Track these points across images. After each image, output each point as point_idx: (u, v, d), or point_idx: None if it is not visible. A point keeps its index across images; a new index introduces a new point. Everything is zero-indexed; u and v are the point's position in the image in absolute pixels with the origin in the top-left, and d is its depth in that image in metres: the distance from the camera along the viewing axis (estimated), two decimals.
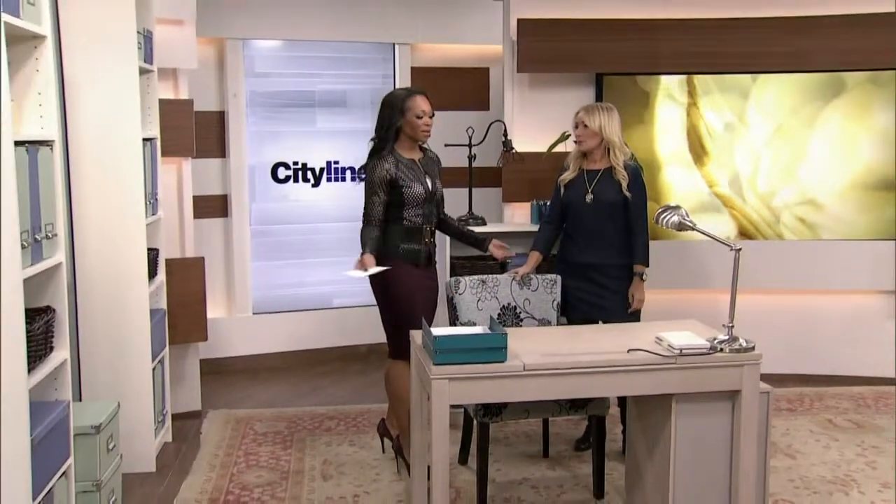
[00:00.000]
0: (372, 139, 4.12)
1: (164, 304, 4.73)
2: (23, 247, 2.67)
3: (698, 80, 5.64)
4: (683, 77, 5.65)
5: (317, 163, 6.42)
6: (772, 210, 5.71)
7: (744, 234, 5.72)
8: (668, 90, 5.66)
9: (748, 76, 5.64)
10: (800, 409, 5.18)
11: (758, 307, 5.73)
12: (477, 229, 4.75)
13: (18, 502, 2.60)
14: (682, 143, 5.70)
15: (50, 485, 2.88)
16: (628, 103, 5.62)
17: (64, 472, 3.02)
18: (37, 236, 2.85)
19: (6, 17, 2.53)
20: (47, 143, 2.92)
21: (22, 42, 2.87)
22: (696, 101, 5.67)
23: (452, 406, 4.61)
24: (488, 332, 3.44)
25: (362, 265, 3.92)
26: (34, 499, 2.71)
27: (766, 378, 5.45)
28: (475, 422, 3.95)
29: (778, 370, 5.60)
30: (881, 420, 5.00)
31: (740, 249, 3.54)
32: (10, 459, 2.54)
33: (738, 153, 5.70)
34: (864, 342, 5.74)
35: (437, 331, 3.39)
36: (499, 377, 3.32)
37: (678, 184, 5.72)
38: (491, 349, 3.30)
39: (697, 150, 5.71)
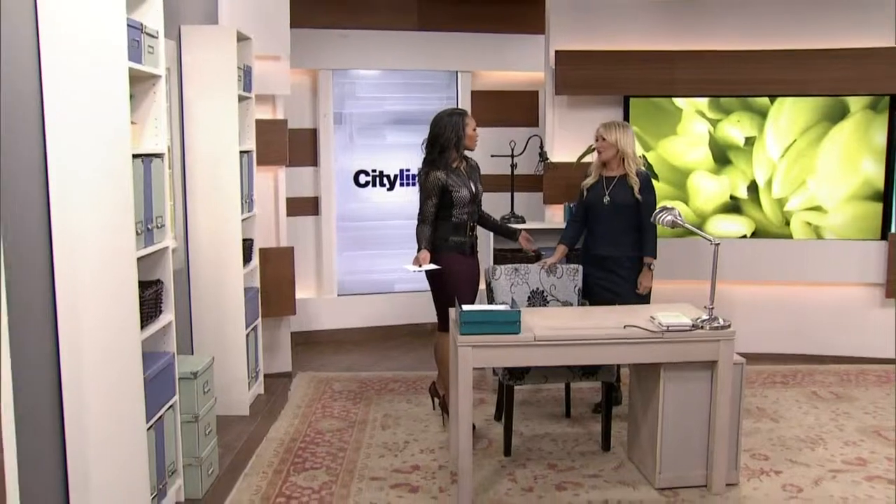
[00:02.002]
0: (427, 150, 4.30)
1: (257, 284, 5.00)
2: (137, 233, 2.96)
3: (723, 100, 5.69)
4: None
5: (391, 170, 6.60)
6: (783, 214, 5.76)
7: (758, 234, 5.79)
8: (697, 107, 5.72)
9: (766, 99, 5.67)
10: (791, 383, 5.22)
11: (765, 296, 5.85)
12: (520, 227, 4.82)
13: (138, 423, 2.98)
14: (706, 154, 5.77)
15: (160, 413, 3.23)
16: (661, 118, 5.72)
17: (171, 406, 3.36)
18: (149, 226, 3.11)
19: (131, 64, 2.97)
20: (158, 156, 3.24)
21: (143, 81, 3.21)
22: (720, 118, 5.73)
23: (493, 374, 4.94)
24: (507, 308, 3.68)
25: (418, 262, 4.17)
26: (148, 421, 3.08)
27: (769, 357, 5.67)
28: (504, 385, 4.17)
29: (781, 350, 5.76)
30: (857, 392, 5.05)
31: (719, 244, 3.73)
32: (129, 392, 2.92)
33: (756, 164, 5.75)
34: (852, 327, 5.77)
35: (465, 307, 3.64)
36: (513, 346, 3.54)
37: (703, 189, 5.80)
38: (507, 322, 3.53)
39: (720, 161, 5.77)
